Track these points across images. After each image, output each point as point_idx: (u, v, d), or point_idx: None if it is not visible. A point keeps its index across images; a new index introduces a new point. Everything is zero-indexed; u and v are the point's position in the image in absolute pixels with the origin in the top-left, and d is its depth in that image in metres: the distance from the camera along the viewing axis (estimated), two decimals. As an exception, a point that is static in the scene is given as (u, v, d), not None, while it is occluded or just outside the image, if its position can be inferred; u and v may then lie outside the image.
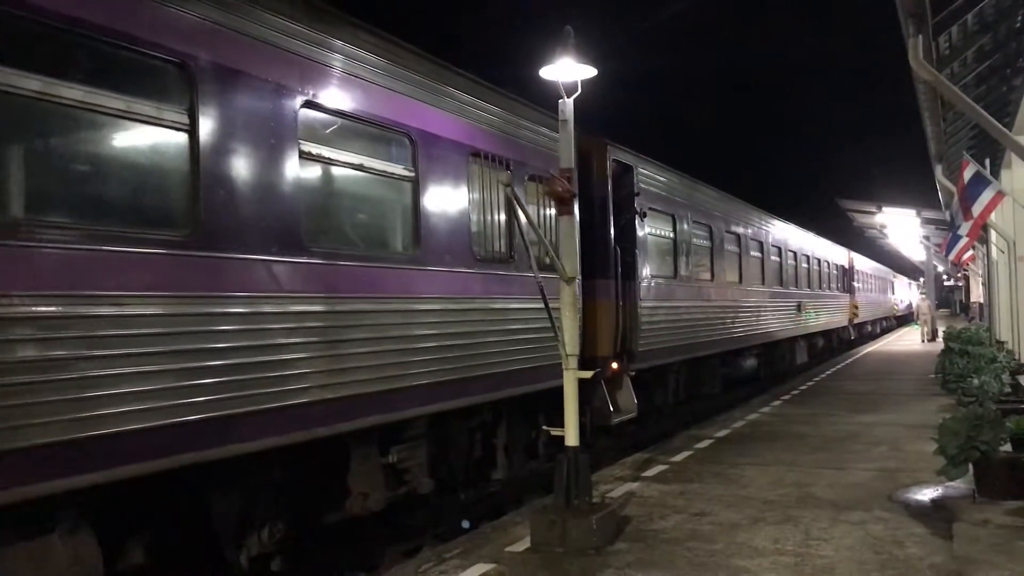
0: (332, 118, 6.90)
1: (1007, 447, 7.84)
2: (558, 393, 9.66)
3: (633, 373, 11.88)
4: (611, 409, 11.02)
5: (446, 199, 8.10)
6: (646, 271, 12.54)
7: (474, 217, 8.58)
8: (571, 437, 6.97)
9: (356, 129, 7.18)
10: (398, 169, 7.58)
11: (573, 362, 7.10)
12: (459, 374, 8.07)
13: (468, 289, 8.32)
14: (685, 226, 14.66)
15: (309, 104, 6.53)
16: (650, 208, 12.85)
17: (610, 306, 11.21)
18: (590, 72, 7.11)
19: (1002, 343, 16.59)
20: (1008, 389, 12.88)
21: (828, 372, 22.55)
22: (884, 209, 30.24)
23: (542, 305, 9.11)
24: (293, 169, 6.32)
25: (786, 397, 16.65)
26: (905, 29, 8.20)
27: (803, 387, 18.60)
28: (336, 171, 7.11)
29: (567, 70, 7.03)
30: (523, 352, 9.19)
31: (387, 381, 7.08)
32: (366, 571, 7.61)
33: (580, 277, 9.60)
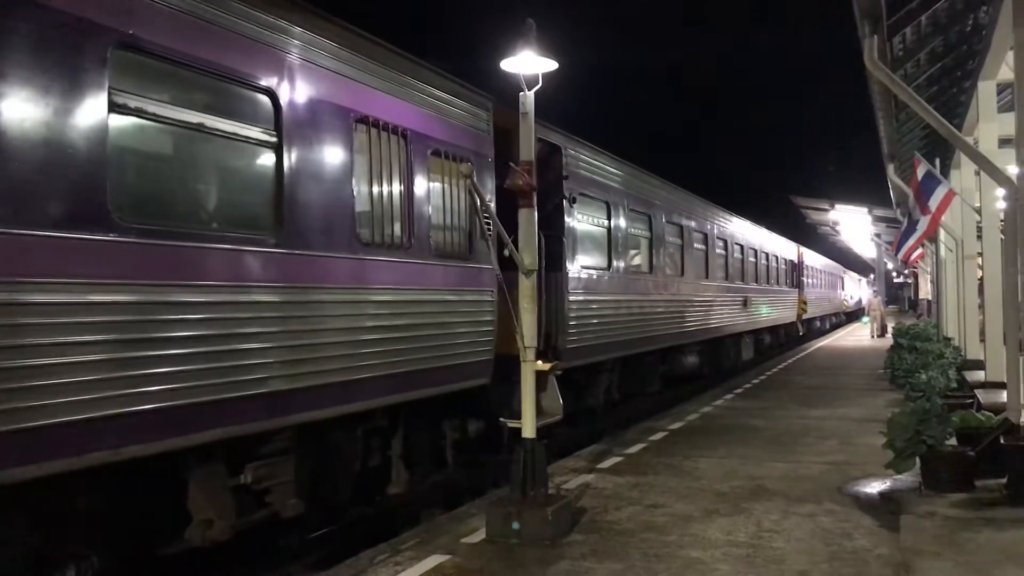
0: (160, 64, 5.60)
1: (953, 441, 8.03)
2: (467, 396, 9.08)
3: (559, 372, 10.84)
4: None
5: (321, 172, 6.94)
6: (575, 262, 11.67)
7: (360, 195, 7.41)
8: (528, 429, 7.01)
9: (196, 80, 5.90)
10: (255, 132, 6.36)
11: (531, 354, 7.14)
12: (336, 377, 6.96)
13: (350, 278, 7.19)
14: (621, 214, 13.68)
15: (126, 45, 5.31)
16: (581, 194, 11.96)
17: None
18: (551, 65, 7.11)
19: (949, 339, 16.93)
20: (954, 384, 13.16)
21: (779, 367, 22.87)
22: (837, 206, 30.73)
23: (448, 298, 8.51)
24: (99, 124, 5.12)
25: (739, 391, 16.86)
26: (861, 29, 8.31)
27: (755, 381, 18.84)
28: (164, 130, 5.77)
29: (528, 63, 7.03)
30: (423, 351, 8.12)
31: (232, 387, 5.91)
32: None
33: (498, 268, 8.93)
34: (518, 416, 9.82)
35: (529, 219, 7.32)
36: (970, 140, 11.67)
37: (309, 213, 6.78)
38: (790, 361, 24.95)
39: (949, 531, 6.49)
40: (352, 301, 7.21)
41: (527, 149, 7.28)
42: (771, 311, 26.77)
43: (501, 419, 9.00)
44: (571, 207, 11.52)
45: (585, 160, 12.42)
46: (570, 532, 6.81)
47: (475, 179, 8.86)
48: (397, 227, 7.93)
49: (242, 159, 6.51)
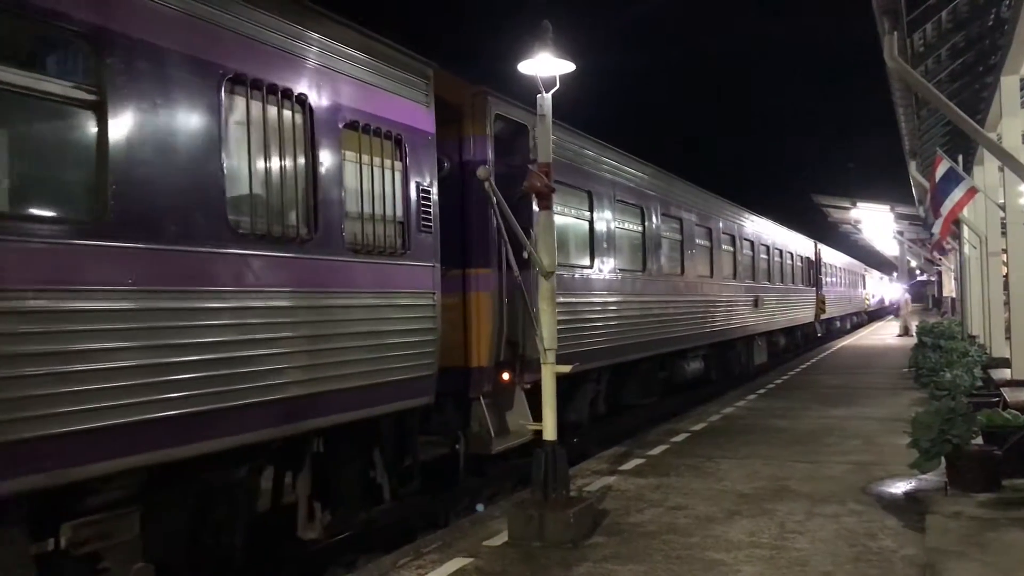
0: None
1: (978, 440, 7.95)
2: (396, 418, 7.73)
3: (528, 385, 9.61)
4: (492, 435, 8.90)
5: (171, 143, 5.42)
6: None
7: (235, 174, 5.92)
8: (549, 432, 7.00)
9: None
10: (60, 87, 4.87)
11: (551, 356, 7.12)
12: (192, 406, 5.41)
13: (215, 277, 5.67)
14: (606, 205, 12.20)
15: None
16: (556, 181, 10.44)
17: (489, 302, 9.02)
18: (568, 67, 7.11)
19: (974, 337, 16.77)
20: (980, 383, 13.02)
21: (802, 367, 22.70)
22: (859, 204, 30.49)
23: (371, 303, 7.15)
24: None
25: (761, 391, 16.77)
26: (880, 26, 8.26)
27: (777, 381, 18.73)
28: None
29: (545, 65, 7.03)
30: (333, 368, 6.63)
31: (24, 425, 4.48)
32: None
33: (438, 264, 8.06)
34: (474, 438, 8.91)
35: (547, 220, 7.30)
36: (993, 136, 11.56)
37: (150, 195, 5.27)
38: (812, 361, 24.77)
39: (976, 531, 6.42)
40: (212, 308, 5.65)
41: (545, 151, 7.28)
42: (786, 311, 25.51)
43: (521, 421, 8.71)
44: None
45: (561, 143, 10.82)
46: (592, 534, 6.79)
47: (410, 160, 7.67)
48: (293, 215, 6.45)
49: (38, 122, 5.08)
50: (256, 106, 6.13)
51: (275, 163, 6.27)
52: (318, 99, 6.70)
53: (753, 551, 6.30)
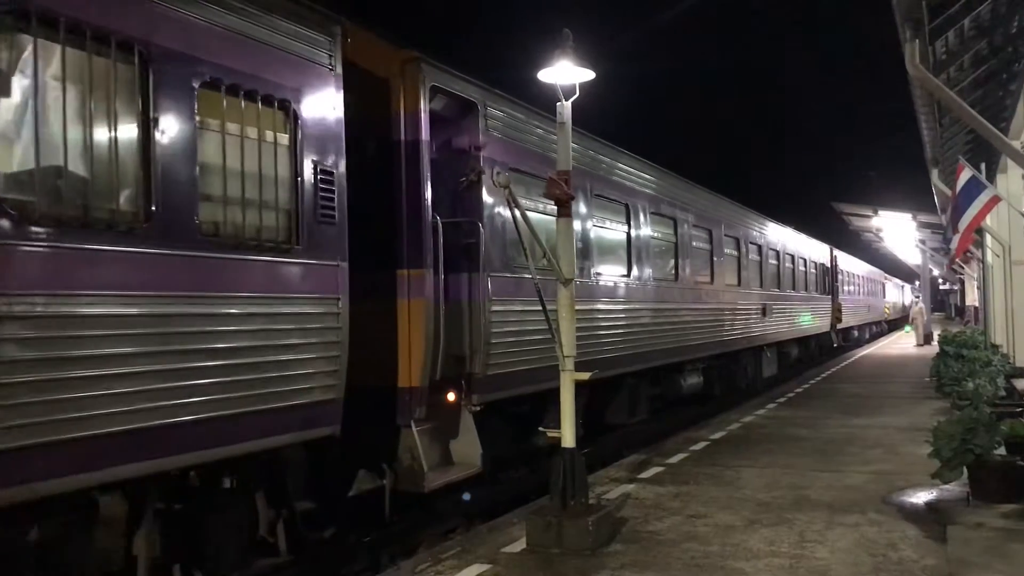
0: None
1: (1001, 450, 7.90)
2: (308, 451, 6.72)
3: (479, 407, 8.49)
4: (425, 468, 7.71)
5: None
6: (503, 259, 8.81)
7: (14, 140, 4.61)
8: (567, 439, 7.00)
9: None
10: None
11: (570, 363, 7.12)
12: None
13: None
14: (583, 201, 10.82)
15: None
16: (514, 169, 8.88)
17: (423, 310, 7.78)
18: (588, 75, 7.14)
19: (997, 346, 16.62)
20: (1003, 392, 12.96)
21: (822, 376, 22.60)
22: (880, 212, 30.30)
23: (242, 311, 5.71)
24: None
25: (781, 400, 16.71)
26: (902, 33, 8.23)
27: (798, 390, 18.65)
28: None
29: (565, 73, 7.06)
30: (180, 395, 5.25)
31: None
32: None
33: (345, 263, 6.66)
34: (403, 473, 7.78)
35: (567, 228, 7.31)
36: (1016, 144, 11.49)
37: None
38: (832, 370, 24.63)
39: (998, 542, 6.39)
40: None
41: (565, 159, 7.28)
42: (798, 320, 23.96)
43: (541, 428, 8.50)
44: (494, 186, 8.36)
45: (517, 125, 9.50)
46: (611, 542, 6.79)
47: (304, 134, 6.33)
48: (114, 196, 5.04)
49: None
50: (51, 51, 4.71)
51: (83, 128, 4.89)
52: (157, 48, 5.23)
53: (772, 560, 6.28)
